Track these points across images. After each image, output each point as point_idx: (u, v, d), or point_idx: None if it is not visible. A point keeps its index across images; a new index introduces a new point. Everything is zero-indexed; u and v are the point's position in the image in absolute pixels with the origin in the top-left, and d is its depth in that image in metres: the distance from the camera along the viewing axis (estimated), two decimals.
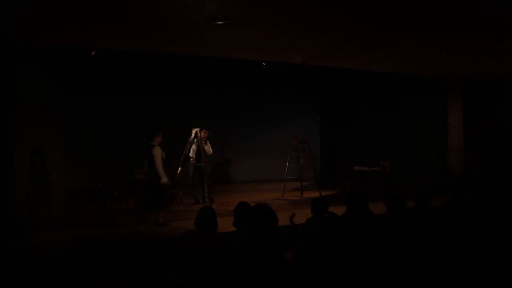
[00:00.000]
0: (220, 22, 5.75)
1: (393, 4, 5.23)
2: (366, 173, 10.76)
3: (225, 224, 4.61)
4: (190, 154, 9.57)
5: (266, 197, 10.14)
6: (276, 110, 14.81)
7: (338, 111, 14.31)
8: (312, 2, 5.15)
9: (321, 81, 15.16)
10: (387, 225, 4.70)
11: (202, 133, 9.54)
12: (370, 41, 7.07)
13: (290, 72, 13.38)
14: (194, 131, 9.48)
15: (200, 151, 9.44)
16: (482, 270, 3.36)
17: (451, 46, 7.44)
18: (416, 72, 10.34)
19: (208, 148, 9.65)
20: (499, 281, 3.20)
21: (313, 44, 7.34)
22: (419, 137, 11.56)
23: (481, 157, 10.42)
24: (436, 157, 11.24)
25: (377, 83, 12.06)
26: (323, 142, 15.06)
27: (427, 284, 3.26)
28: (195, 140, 9.43)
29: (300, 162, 10.69)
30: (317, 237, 4.63)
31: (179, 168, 9.13)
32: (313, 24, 6.11)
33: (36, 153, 7.65)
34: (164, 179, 7.24)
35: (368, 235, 4.53)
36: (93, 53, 9.38)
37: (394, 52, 8.02)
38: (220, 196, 10.46)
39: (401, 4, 5.23)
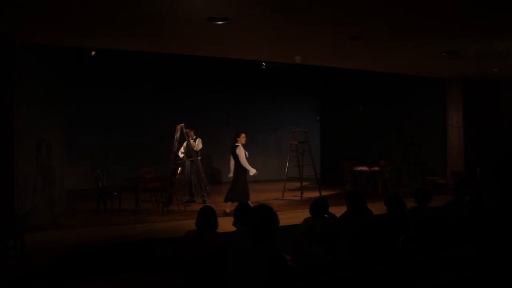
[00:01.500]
0: (220, 22, 5.75)
1: (393, 4, 5.23)
2: (366, 173, 10.76)
3: (225, 224, 4.61)
4: (181, 151, 9.64)
5: (266, 197, 10.15)
6: (276, 110, 14.83)
7: (338, 111, 14.32)
8: (312, 2, 5.15)
9: (321, 82, 15.16)
10: (387, 225, 4.70)
11: (189, 132, 9.62)
12: (370, 42, 7.07)
13: (290, 72, 13.39)
14: (179, 127, 9.48)
15: (189, 148, 9.50)
16: (483, 270, 3.36)
17: (451, 46, 7.44)
18: (416, 72, 10.34)
19: (196, 144, 9.67)
20: (500, 280, 3.20)
21: (313, 44, 7.34)
22: (419, 137, 11.57)
23: (481, 157, 10.42)
24: (436, 157, 11.25)
25: (377, 83, 12.06)
26: (323, 142, 15.07)
27: (427, 284, 3.26)
28: (181, 136, 9.46)
29: (300, 162, 10.69)
30: (317, 237, 4.64)
31: (179, 168, 9.13)
32: (314, 25, 6.11)
33: (37, 151, 7.66)
34: (252, 171, 8.35)
35: (368, 235, 4.52)
36: (93, 53, 9.38)
37: (394, 52, 8.02)
38: (220, 196, 10.46)
39: (401, 4, 5.23)
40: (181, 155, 9.67)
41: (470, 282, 3.13)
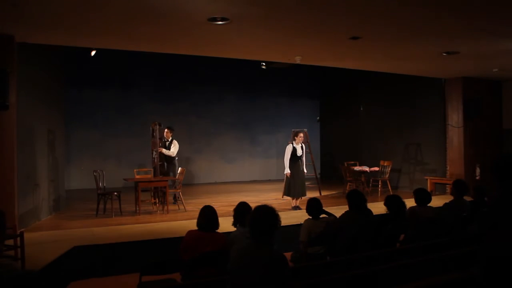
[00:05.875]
0: (220, 22, 5.75)
1: (393, 4, 5.23)
2: (366, 173, 10.77)
3: (225, 224, 4.61)
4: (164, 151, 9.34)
5: (266, 197, 10.15)
6: (276, 110, 14.83)
7: (338, 111, 14.32)
8: (313, 2, 5.15)
9: (321, 82, 15.18)
10: (387, 225, 4.70)
11: (165, 133, 9.38)
12: (370, 42, 7.07)
13: (290, 73, 13.40)
14: (153, 125, 9.18)
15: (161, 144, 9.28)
16: (483, 270, 3.36)
17: (451, 46, 7.44)
18: (416, 72, 10.34)
19: (168, 152, 9.28)
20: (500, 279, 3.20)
21: (313, 44, 7.34)
22: (419, 137, 11.57)
23: (481, 157, 10.42)
24: (436, 157, 11.25)
25: (377, 83, 12.07)
26: (323, 142, 15.08)
27: (427, 283, 3.26)
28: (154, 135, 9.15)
29: None
30: (317, 238, 4.64)
31: (180, 168, 9.12)
32: (314, 25, 6.11)
33: (37, 151, 7.66)
34: (286, 171, 8.64)
35: (368, 235, 4.53)
36: (93, 52, 9.37)
37: (394, 52, 8.02)
38: (219, 196, 10.47)
39: (401, 4, 5.23)
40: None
41: (470, 282, 3.13)
